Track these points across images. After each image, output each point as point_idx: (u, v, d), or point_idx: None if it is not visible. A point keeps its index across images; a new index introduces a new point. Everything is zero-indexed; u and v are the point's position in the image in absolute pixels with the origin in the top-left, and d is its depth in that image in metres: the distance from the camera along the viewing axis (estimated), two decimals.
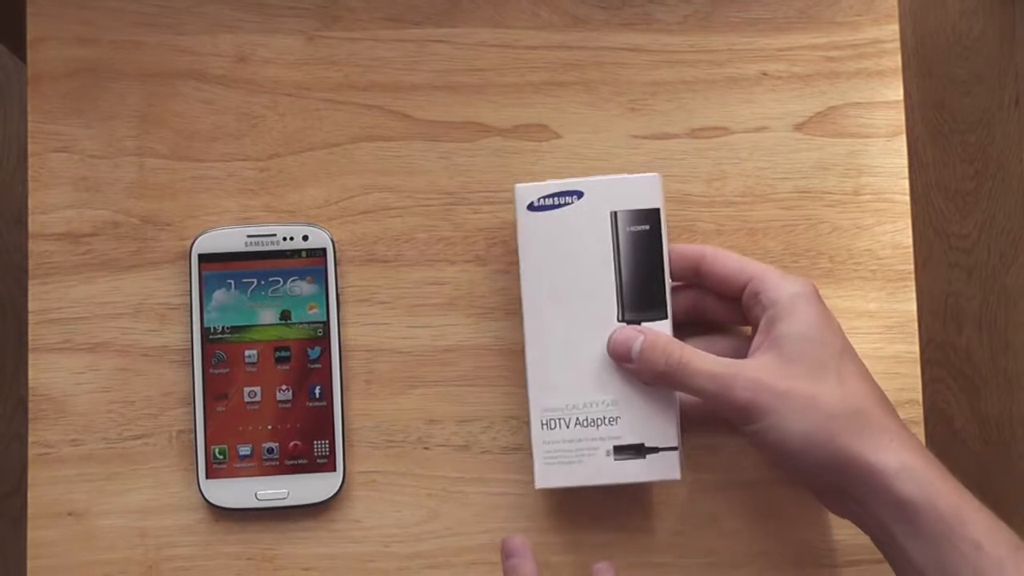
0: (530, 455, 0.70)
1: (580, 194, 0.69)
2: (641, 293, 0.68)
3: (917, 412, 0.75)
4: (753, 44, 0.77)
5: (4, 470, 1.42)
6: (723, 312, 0.71)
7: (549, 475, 0.69)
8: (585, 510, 0.74)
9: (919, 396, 0.75)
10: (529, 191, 0.70)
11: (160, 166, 0.75)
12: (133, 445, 0.73)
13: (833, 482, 0.65)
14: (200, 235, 0.73)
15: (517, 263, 0.72)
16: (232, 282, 0.73)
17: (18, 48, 0.80)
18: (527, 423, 0.74)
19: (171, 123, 0.75)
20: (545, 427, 0.69)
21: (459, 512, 0.73)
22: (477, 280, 0.75)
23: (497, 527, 0.73)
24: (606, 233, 0.69)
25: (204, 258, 0.73)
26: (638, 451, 0.68)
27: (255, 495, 0.72)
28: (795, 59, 0.77)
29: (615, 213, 0.69)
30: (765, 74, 0.77)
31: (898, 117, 0.77)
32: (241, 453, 0.72)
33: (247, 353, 0.72)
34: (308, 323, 0.73)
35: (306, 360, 0.73)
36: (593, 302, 0.69)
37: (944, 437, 1.41)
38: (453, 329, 0.75)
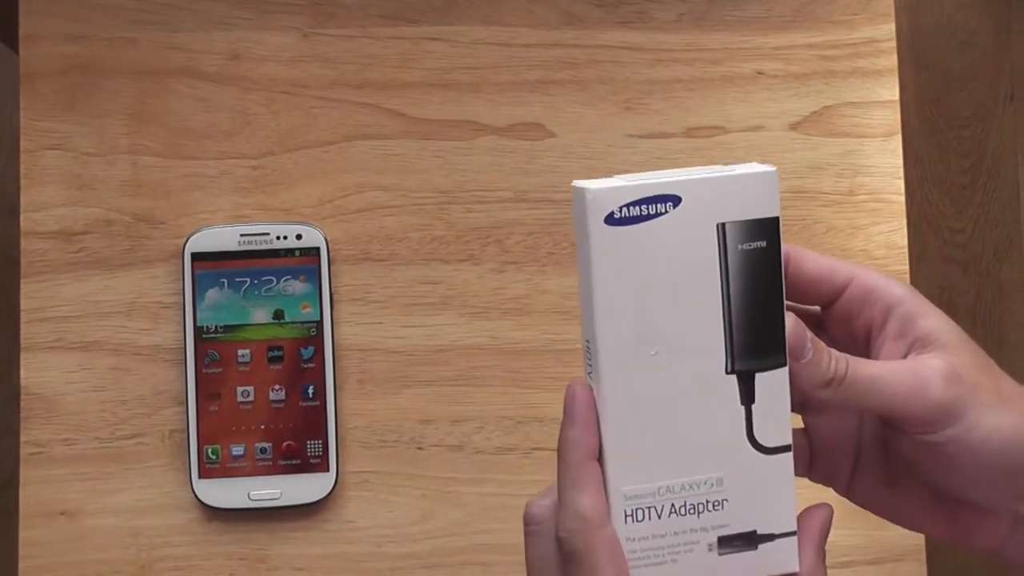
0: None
1: (676, 200, 0.50)
2: (756, 333, 0.51)
3: None
4: (749, 43, 0.77)
5: None
6: None
7: None
8: None
9: None
10: (605, 197, 0.49)
11: (153, 164, 0.74)
12: (126, 444, 0.73)
13: (1018, 492, 0.54)
14: (193, 234, 0.73)
15: (511, 261, 0.72)
16: (225, 281, 0.72)
17: (11, 39, 0.79)
18: (520, 423, 0.74)
19: (164, 121, 0.75)
20: (630, 519, 0.51)
21: (452, 512, 0.73)
22: (471, 279, 0.75)
23: (490, 528, 0.73)
24: (711, 253, 0.50)
25: (197, 257, 0.72)
26: (749, 541, 0.52)
27: (248, 495, 0.72)
28: (791, 58, 0.77)
29: (722, 226, 0.50)
30: (761, 73, 0.77)
31: (894, 117, 0.77)
32: (234, 453, 0.72)
33: (240, 352, 0.72)
34: (301, 322, 0.73)
35: (299, 360, 0.72)
36: (694, 348, 0.50)
37: None
38: (447, 329, 0.74)
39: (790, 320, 0.51)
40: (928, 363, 0.52)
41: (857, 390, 0.51)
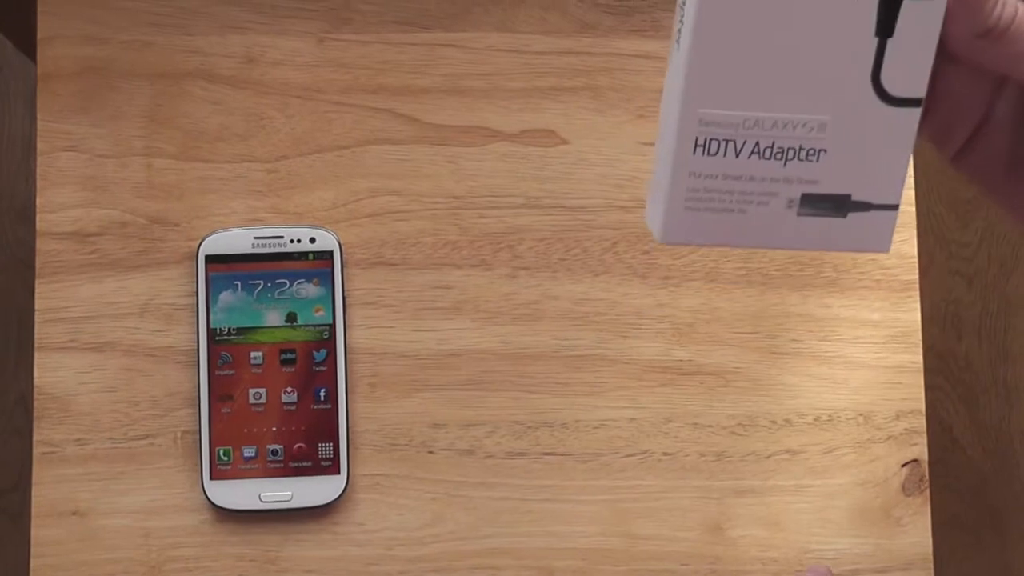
0: (645, 207, 0.50)
1: None
2: None
3: (920, 422, 0.75)
4: None
5: (3, 466, 1.42)
6: None
7: (686, 223, 0.43)
8: (588, 516, 0.74)
9: (922, 407, 0.76)
10: None
11: (168, 166, 0.75)
12: (138, 445, 0.73)
13: None
14: (207, 236, 0.73)
15: (523, 267, 0.72)
16: (239, 283, 0.73)
17: (25, 45, 0.80)
18: (530, 428, 0.74)
19: (179, 123, 0.75)
20: (701, 149, 0.42)
21: (462, 516, 0.74)
22: (483, 284, 0.75)
23: (500, 531, 0.73)
24: None
25: (211, 259, 0.73)
26: (838, 206, 0.43)
27: (259, 497, 0.72)
28: None
29: None
30: None
31: None
32: (245, 455, 0.72)
33: (253, 355, 0.72)
34: (314, 325, 0.73)
35: (311, 362, 0.73)
36: None
37: (943, 444, 1.41)
38: (458, 333, 0.75)
39: None
40: None
41: (1018, 48, 0.40)
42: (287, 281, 0.73)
